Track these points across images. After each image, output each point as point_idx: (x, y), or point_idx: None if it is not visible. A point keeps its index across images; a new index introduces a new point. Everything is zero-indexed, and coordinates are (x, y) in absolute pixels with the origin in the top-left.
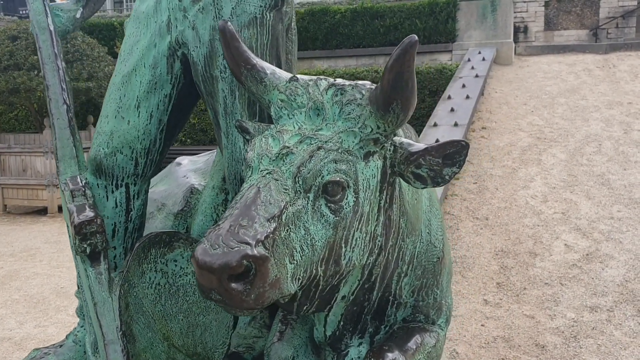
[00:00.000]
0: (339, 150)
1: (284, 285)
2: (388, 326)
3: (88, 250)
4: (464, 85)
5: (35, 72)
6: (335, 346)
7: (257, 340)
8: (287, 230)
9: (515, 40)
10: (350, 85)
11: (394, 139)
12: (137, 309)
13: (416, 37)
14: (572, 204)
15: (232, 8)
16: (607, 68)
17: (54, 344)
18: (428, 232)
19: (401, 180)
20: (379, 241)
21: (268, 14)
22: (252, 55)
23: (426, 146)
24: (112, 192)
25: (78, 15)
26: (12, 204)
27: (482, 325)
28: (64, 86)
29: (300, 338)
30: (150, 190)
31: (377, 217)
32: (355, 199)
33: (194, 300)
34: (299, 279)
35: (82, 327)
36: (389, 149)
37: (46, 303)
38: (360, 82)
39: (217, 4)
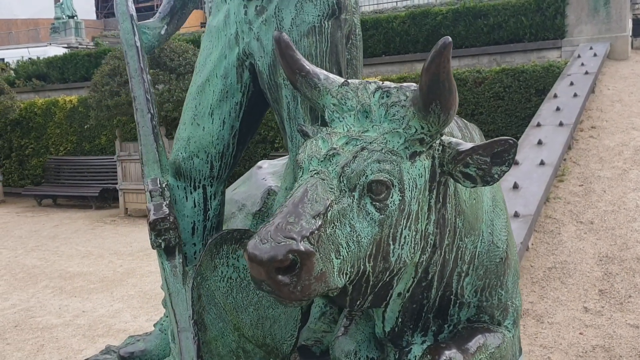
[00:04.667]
0: (383, 151)
1: (330, 279)
2: (452, 325)
3: (163, 245)
4: (571, 83)
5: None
6: (397, 342)
7: (325, 335)
8: (333, 227)
9: (638, 34)
10: (395, 87)
11: (442, 138)
12: (209, 300)
13: (450, 39)
14: None
15: (292, 19)
16: None
17: (145, 333)
18: (490, 233)
19: None
20: (431, 239)
21: (326, 23)
22: (306, 63)
23: (473, 145)
24: (191, 193)
25: (163, 32)
26: (132, 208)
27: (580, 333)
28: (149, 97)
29: (364, 333)
30: (232, 192)
31: (428, 216)
32: (401, 198)
33: (263, 294)
34: (346, 273)
35: (167, 317)
36: (437, 149)
37: (157, 299)
38: (405, 84)
39: (278, 15)
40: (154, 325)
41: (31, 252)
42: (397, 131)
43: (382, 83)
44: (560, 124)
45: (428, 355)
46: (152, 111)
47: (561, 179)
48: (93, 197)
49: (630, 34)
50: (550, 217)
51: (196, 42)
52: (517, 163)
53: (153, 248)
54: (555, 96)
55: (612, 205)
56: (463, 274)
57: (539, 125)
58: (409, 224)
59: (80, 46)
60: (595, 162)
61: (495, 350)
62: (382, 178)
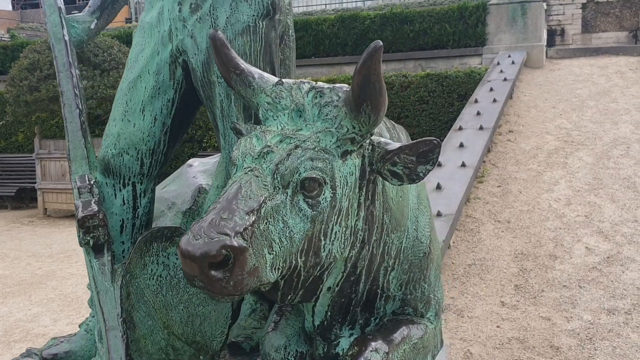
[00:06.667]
0: (316, 149)
1: (262, 274)
2: (378, 318)
3: (91, 243)
4: (491, 89)
5: None
6: (325, 336)
7: (255, 332)
8: (266, 223)
9: (552, 44)
10: (328, 87)
11: (372, 138)
12: (139, 298)
13: (381, 43)
14: (596, 207)
15: (227, 17)
16: None
17: (70, 334)
18: (415, 229)
19: None
20: (360, 235)
21: (261, 23)
22: (241, 61)
23: (401, 145)
24: (120, 190)
25: (92, 26)
26: (51, 208)
27: (497, 326)
28: (77, 92)
29: (293, 328)
30: (162, 190)
31: (358, 213)
32: (332, 195)
33: (194, 291)
34: (278, 268)
35: (93, 317)
36: (367, 148)
37: (79, 302)
38: (338, 84)
39: (213, 14)
40: (79, 326)
41: None
42: (330, 130)
43: (316, 83)
44: (481, 128)
45: (355, 347)
46: (80, 107)
47: (481, 180)
48: (9, 196)
49: (545, 43)
50: (470, 216)
51: (121, 37)
52: (440, 165)
53: (81, 246)
54: (476, 101)
55: (527, 205)
56: (389, 269)
57: (460, 128)
58: (339, 220)
59: None
60: (512, 164)
61: (419, 341)
62: (314, 175)
